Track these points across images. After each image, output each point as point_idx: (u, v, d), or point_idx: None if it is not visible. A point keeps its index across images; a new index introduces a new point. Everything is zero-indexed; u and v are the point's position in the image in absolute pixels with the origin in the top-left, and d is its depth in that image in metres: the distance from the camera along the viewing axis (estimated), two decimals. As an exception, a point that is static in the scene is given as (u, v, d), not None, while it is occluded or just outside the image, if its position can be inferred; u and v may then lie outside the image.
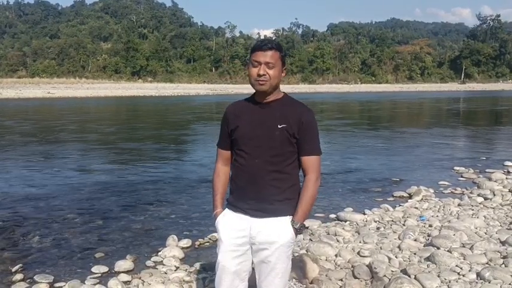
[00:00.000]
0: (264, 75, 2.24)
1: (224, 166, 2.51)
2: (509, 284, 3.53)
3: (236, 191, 2.42)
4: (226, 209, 2.46)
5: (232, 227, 2.38)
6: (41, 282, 4.13)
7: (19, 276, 4.27)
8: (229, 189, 2.49)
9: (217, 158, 2.54)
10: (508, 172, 8.88)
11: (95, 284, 4.07)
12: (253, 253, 2.39)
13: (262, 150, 2.30)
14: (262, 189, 2.32)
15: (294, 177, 2.38)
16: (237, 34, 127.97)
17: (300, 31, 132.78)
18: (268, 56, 2.24)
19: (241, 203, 2.38)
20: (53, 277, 4.24)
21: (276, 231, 2.32)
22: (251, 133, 2.32)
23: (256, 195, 2.33)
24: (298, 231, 2.35)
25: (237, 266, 2.37)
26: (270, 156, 2.30)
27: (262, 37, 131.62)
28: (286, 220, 2.34)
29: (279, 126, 2.28)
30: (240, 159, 2.37)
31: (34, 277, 4.23)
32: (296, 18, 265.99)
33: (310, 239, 5.00)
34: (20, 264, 4.54)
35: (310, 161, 2.35)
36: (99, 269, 4.40)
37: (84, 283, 4.08)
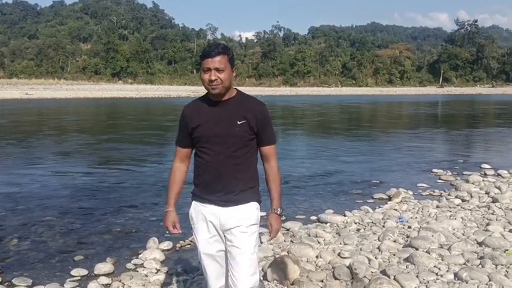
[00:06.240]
0: (215, 79, 2.40)
1: (181, 164, 2.69)
2: (486, 284, 3.59)
3: (202, 185, 2.57)
4: (194, 201, 2.62)
5: (203, 218, 2.56)
6: (20, 286, 4.08)
7: (-3, 279, 4.21)
8: (194, 183, 2.62)
9: (175, 156, 2.71)
10: (485, 174, 9.04)
11: (74, 287, 4.04)
12: (224, 239, 2.56)
13: (225, 146, 2.47)
14: (228, 182, 2.50)
15: (253, 166, 2.58)
16: (219, 36, 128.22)
17: (281, 34, 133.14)
18: (216, 61, 2.40)
19: (209, 196, 2.54)
20: (31, 280, 4.19)
21: (242, 216, 2.51)
22: (212, 131, 2.48)
23: (222, 187, 2.50)
24: (281, 214, 2.62)
25: (217, 253, 2.58)
26: (232, 151, 2.48)
27: (244, 39, 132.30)
28: (251, 205, 2.55)
29: (238, 123, 2.46)
30: (204, 155, 2.53)
31: (12, 280, 4.18)
32: (277, 21, 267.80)
33: (292, 241, 5.03)
34: (-2, 268, 4.47)
35: (270, 150, 2.59)
36: (78, 272, 4.36)
37: (64, 286, 4.05)
